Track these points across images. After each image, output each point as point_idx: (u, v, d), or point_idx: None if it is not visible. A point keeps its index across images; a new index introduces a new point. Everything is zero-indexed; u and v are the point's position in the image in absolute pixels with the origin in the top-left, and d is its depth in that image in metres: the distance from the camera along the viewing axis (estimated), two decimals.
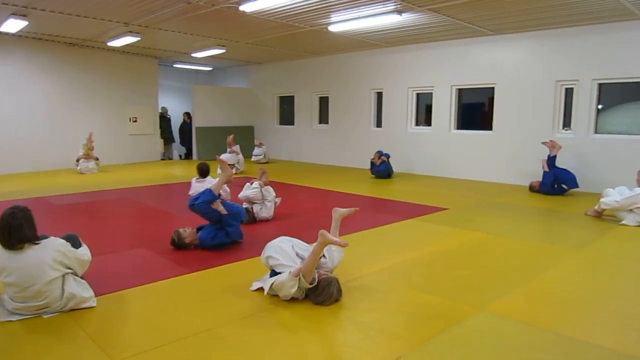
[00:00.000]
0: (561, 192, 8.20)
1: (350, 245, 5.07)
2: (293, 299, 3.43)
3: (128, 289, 3.69)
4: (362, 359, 2.66)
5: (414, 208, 7.08)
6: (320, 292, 3.38)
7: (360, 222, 6.09)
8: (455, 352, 2.74)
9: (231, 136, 11.47)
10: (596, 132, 8.63)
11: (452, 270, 4.27)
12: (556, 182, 8.23)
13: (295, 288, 3.33)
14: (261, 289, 3.60)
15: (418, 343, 2.85)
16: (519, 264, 4.50)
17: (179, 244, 4.80)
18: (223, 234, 4.78)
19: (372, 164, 10.45)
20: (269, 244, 3.72)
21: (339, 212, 3.96)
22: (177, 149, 15.55)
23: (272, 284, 3.43)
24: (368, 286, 3.82)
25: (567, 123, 8.99)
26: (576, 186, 8.15)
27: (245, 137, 15.05)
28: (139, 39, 10.23)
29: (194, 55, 12.72)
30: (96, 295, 3.42)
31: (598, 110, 8.64)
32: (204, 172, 6.85)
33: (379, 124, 12.06)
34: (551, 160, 8.28)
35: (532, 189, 8.61)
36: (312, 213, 6.76)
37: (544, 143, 8.47)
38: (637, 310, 3.43)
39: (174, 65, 15.15)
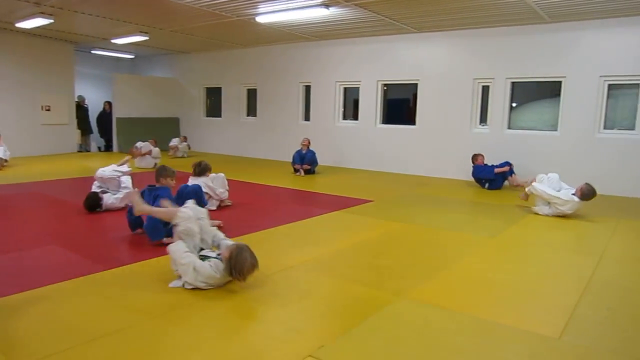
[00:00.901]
0: (481, 185, 8.61)
1: (276, 237, 5.11)
2: (210, 289, 3.39)
3: (36, 288, 3.43)
4: (285, 350, 2.65)
5: (340, 200, 7.18)
6: (235, 262, 3.36)
7: (286, 215, 6.10)
8: (376, 339, 2.81)
9: (130, 151, 10.64)
10: (509, 127, 9.18)
11: (375, 260, 4.38)
12: (485, 179, 8.55)
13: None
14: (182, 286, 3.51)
15: (341, 332, 2.89)
16: (438, 252, 4.70)
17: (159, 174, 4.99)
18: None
19: (298, 153, 10.22)
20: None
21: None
22: (96, 140, 14.75)
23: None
24: (293, 278, 3.82)
25: (483, 119, 9.48)
26: (492, 189, 8.46)
27: (170, 129, 14.59)
28: (52, 21, 9.56)
29: (114, 41, 12.09)
30: None
31: (511, 107, 9.19)
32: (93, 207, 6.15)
33: (307, 117, 12.10)
34: (508, 173, 8.30)
35: (474, 160, 8.68)
36: (239, 206, 6.66)
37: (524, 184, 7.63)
38: (540, 291, 3.69)
39: (92, 52, 14.31)
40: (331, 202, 7.11)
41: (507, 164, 8.38)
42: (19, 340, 2.70)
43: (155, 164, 10.63)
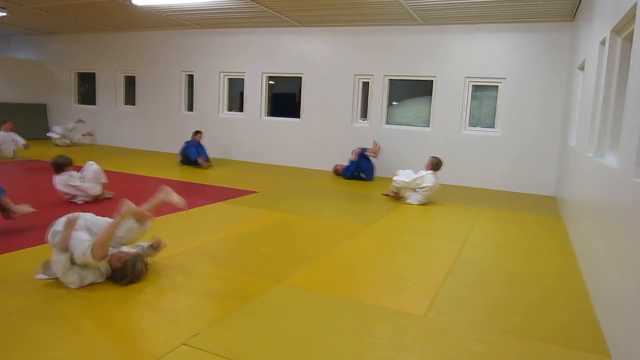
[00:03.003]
0: (359, 179, 9.00)
1: (156, 228, 4.85)
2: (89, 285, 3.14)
3: None
4: (158, 340, 2.55)
5: (224, 191, 7.07)
6: (130, 272, 3.21)
7: (168, 206, 5.83)
8: (252, 324, 2.81)
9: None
10: (387, 122, 9.69)
11: (257, 249, 4.38)
12: (357, 170, 8.96)
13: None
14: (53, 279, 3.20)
15: (217, 318, 2.84)
16: (317, 240, 4.82)
17: None
18: None
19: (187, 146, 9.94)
20: (57, 220, 3.30)
21: (166, 193, 3.76)
22: None
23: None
24: (172, 267, 3.68)
25: (364, 114, 9.90)
26: (371, 178, 8.97)
27: (36, 116, 13.26)
28: None
29: None
30: None
31: (390, 104, 9.70)
32: (59, 167, 5.76)
33: (190, 107, 11.71)
34: (362, 151, 8.93)
35: (336, 172, 9.28)
36: (117, 198, 6.25)
37: (375, 142, 9.05)
38: (409, 274, 3.95)
39: None
40: (215, 193, 6.98)
41: (361, 149, 8.94)
42: None
43: (14, 151, 9.63)
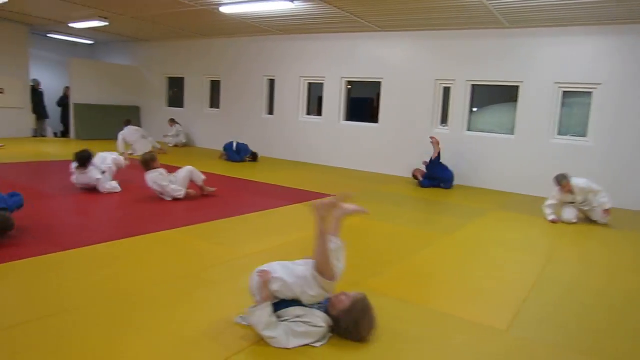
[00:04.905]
0: (436, 186, 8.76)
1: (235, 226, 5.05)
2: None
3: None
4: (233, 334, 2.63)
5: (301, 194, 7.19)
6: (360, 324, 2.66)
7: (245, 206, 6.05)
8: None
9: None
10: (469, 129, 9.39)
11: None
12: (435, 179, 8.70)
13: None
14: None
15: None
16: (394, 246, 4.77)
17: None
18: None
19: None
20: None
21: (341, 210, 3.06)
22: (52, 126, 14.22)
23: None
24: (247, 266, 3.77)
25: (444, 120, 9.66)
26: (449, 187, 8.66)
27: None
28: (5, 1, 9.14)
29: (72, 25, 11.66)
30: None
31: (471, 110, 9.40)
32: (83, 161, 6.23)
33: (271, 111, 12.04)
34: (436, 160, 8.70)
35: (414, 177, 9.04)
36: (203, 197, 6.56)
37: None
38: (487, 285, 3.80)
39: (48, 35, 13.77)
40: (292, 195, 7.11)
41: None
42: None
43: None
